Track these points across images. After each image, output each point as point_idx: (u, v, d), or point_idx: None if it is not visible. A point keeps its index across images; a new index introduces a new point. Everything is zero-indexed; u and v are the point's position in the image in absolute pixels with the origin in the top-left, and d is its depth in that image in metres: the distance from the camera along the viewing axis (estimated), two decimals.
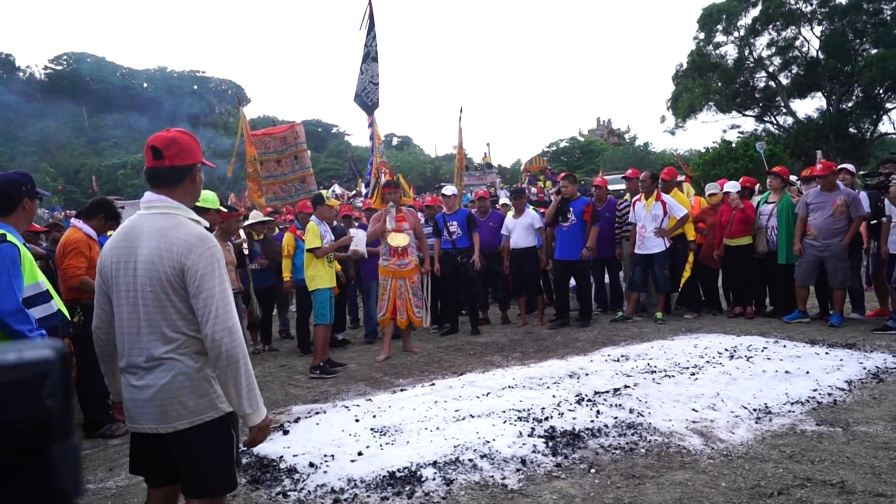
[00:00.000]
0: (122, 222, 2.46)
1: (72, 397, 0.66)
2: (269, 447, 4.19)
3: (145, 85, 68.59)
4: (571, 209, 7.96)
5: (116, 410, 2.46)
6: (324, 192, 7.35)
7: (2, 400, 0.60)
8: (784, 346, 6.21)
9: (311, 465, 3.82)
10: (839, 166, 7.76)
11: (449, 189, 8.84)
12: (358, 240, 7.21)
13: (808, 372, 5.25)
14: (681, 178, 9.80)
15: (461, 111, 11.40)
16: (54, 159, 48.47)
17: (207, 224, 2.45)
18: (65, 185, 37.46)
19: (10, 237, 3.06)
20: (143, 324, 2.20)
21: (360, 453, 3.93)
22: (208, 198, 5.35)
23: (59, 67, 66.77)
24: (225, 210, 5.79)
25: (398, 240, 6.99)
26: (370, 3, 9.59)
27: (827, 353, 5.90)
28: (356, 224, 8.65)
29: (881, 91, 29.32)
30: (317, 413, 4.93)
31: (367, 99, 9.63)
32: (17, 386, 0.60)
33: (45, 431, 0.61)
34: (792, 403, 4.57)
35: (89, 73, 64.45)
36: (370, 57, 9.57)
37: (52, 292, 3.48)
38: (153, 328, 2.19)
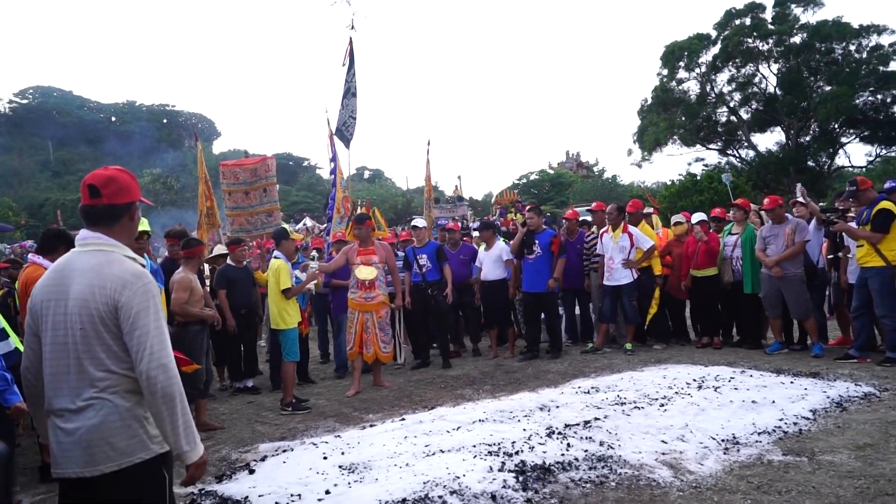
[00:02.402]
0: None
1: (12, 490, 0.65)
2: (234, 487, 4.08)
3: (113, 119, 67.99)
4: (537, 241, 8.04)
5: (46, 453, 2.36)
6: (285, 226, 7.36)
7: None
8: (751, 376, 6.29)
9: None
10: (795, 199, 8.01)
11: (420, 221, 8.87)
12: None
13: (774, 401, 5.32)
14: (649, 210, 9.98)
15: (429, 144, 11.54)
16: (17, 193, 47.52)
17: (143, 262, 2.41)
18: (28, 219, 36.63)
19: None
20: (73, 364, 2.14)
21: (327, 492, 3.85)
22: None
23: (25, 101, 65.94)
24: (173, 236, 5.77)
25: (365, 273, 6.97)
26: (350, 41, 9.76)
27: (792, 382, 5.99)
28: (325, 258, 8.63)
29: (836, 126, 30.51)
30: (284, 451, 4.82)
31: (346, 132, 9.73)
32: None
33: None
34: (759, 433, 4.61)
35: (56, 107, 63.77)
36: (350, 92, 9.72)
37: (9, 330, 3.39)
38: (82, 368, 2.13)
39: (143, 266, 2.32)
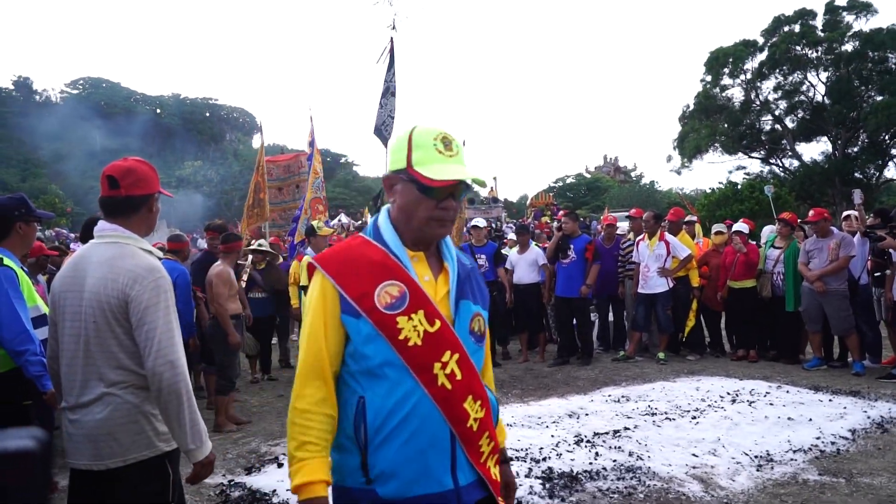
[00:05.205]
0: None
1: (49, 488, 0.65)
2: (263, 480, 4.15)
3: (158, 111, 69.55)
4: (572, 246, 7.98)
5: None
6: (314, 222, 7.43)
7: None
8: (787, 392, 6.14)
9: None
10: (848, 211, 7.78)
11: (480, 221, 8.82)
12: None
13: (811, 419, 5.18)
14: (692, 218, 9.76)
15: (464, 144, 11.53)
16: (65, 181, 48.95)
17: (161, 255, 2.40)
18: (74, 207, 37.69)
19: (6, 261, 3.05)
20: (84, 357, 2.14)
21: None
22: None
23: (76, 91, 67.91)
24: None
25: None
26: (391, 40, 9.81)
27: (830, 400, 5.83)
28: None
29: (887, 137, 29.57)
30: None
31: (385, 132, 9.78)
32: None
33: None
34: (794, 451, 4.50)
35: (104, 98, 65.54)
36: (389, 91, 9.75)
37: None
38: (94, 362, 2.13)
39: (160, 259, 2.31)
